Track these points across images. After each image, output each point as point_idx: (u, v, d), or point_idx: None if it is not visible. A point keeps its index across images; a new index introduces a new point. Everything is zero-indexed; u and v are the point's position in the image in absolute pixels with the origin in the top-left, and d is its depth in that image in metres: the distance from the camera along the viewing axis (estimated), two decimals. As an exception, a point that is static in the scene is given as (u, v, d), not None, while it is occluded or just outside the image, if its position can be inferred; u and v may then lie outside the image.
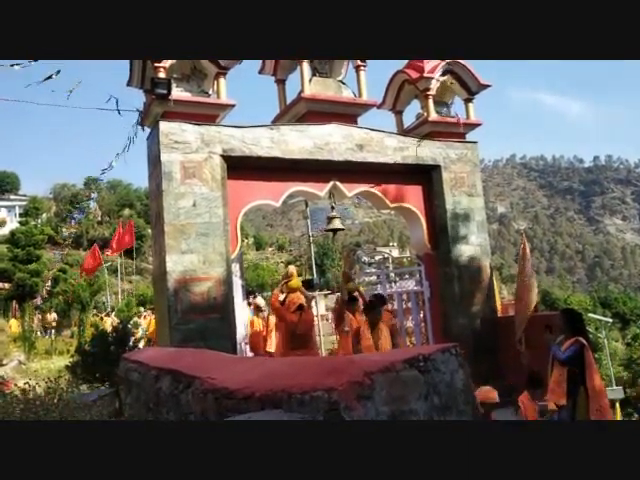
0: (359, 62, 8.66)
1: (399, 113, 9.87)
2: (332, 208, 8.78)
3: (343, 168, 8.33)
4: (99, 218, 51.41)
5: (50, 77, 6.34)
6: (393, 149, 8.62)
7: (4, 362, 15.74)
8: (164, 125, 7.22)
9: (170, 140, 7.21)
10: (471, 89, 9.37)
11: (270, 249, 61.10)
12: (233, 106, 7.71)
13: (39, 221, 48.74)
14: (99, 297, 29.44)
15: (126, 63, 7.88)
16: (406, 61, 9.49)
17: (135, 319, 15.77)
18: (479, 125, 9.54)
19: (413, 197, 9.06)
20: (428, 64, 8.99)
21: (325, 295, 26.36)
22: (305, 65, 8.27)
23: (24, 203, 56.08)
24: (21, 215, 53.38)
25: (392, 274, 10.64)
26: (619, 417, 11.47)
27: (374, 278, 11.19)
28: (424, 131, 9.21)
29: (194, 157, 7.31)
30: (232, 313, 7.40)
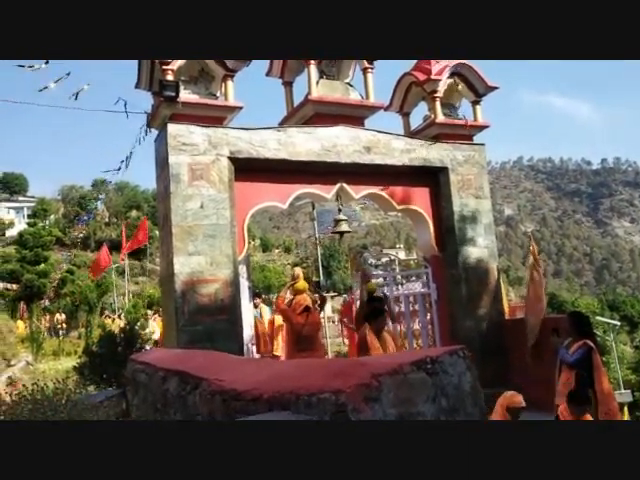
0: (366, 64, 8.65)
1: (406, 115, 9.86)
2: (339, 210, 8.78)
3: (350, 170, 8.33)
4: (107, 220, 51.59)
5: (60, 79, 6.38)
6: (400, 151, 8.61)
7: (12, 363, 15.82)
8: (172, 127, 7.25)
9: (178, 142, 7.23)
10: (478, 91, 9.35)
11: (277, 251, 61.09)
12: (241, 108, 7.73)
13: (47, 222, 48.97)
14: (106, 298, 29.56)
15: (134, 65, 7.92)
16: (413, 63, 9.49)
17: (143, 321, 15.82)
18: (486, 127, 9.52)
19: (420, 199, 9.04)
20: (435, 66, 8.98)
21: (332, 297, 26.33)
22: (312, 67, 8.27)
23: (32, 204, 56.37)
24: (29, 216, 53.64)
25: (399, 276, 10.62)
26: (627, 421, 11.38)
27: (381, 280, 11.17)
28: (431, 133, 9.20)
29: (202, 159, 7.33)
30: (239, 315, 7.41)
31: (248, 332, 8.13)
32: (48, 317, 26.68)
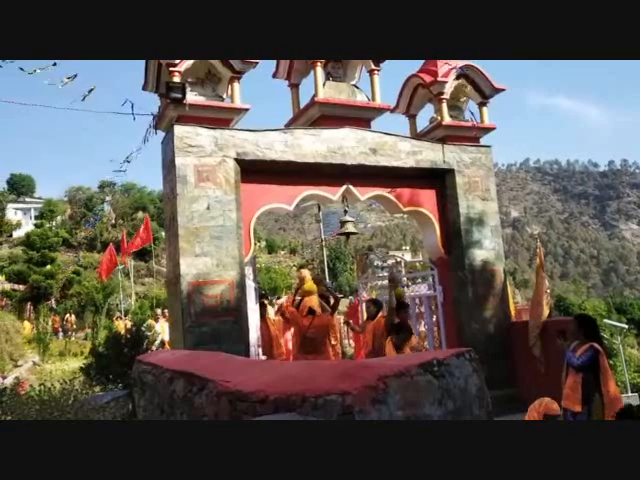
0: (373, 66, 8.66)
1: (413, 117, 9.85)
2: (345, 212, 8.78)
3: (356, 172, 8.33)
4: (113, 221, 51.77)
5: (69, 80, 6.41)
6: (406, 153, 8.61)
7: (19, 363, 15.89)
8: (179, 129, 7.27)
9: (184, 144, 7.25)
10: (485, 93, 9.34)
11: (282, 253, 61.14)
12: (247, 110, 7.74)
13: (54, 224, 49.18)
14: (112, 299, 29.64)
15: (141, 66, 7.94)
16: (420, 65, 9.49)
17: (152, 321, 15.84)
18: (493, 129, 9.50)
19: (426, 201, 9.03)
20: (442, 68, 8.98)
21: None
22: (319, 69, 8.29)
23: (39, 206, 56.66)
24: (36, 217, 53.94)
25: (405, 278, 10.61)
26: (634, 424, 11.27)
27: (386, 282, 11.15)
28: (438, 135, 9.19)
29: (208, 161, 7.35)
30: (245, 316, 7.42)
31: (254, 334, 8.14)
32: (58, 318, 26.76)
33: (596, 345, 5.53)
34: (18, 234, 49.78)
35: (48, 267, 35.52)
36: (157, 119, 7.82)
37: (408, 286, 10.25)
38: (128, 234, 26.49)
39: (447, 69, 8.97)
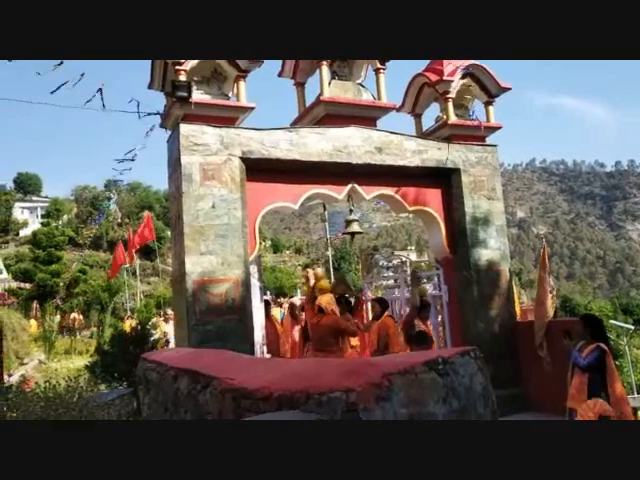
0: (378, 65, 8.64)
1: (418, 116, 9.83)
2: (350, 211, 8.77)
3: (362, 171, 8.32)
4: (119, 220, 51.97)
5: (78, 81, 6.44)
6: (412, 152, 8.59)
7: (25, 361, 15.97)
8: (184, 127, 7.28)
9: (190, 142, 7.26)
10: (491, 92, 9.31)
11: (288, 252, 61.22)
12: (253, 109, 7.75)
13: (60, 222, 49.40)
14: (118, 298, 29.75)
15: (141, 65, 7.97)
16: (425, 64, 9.47)
17: (162, 322, 15.88)
18: (499, 128, 9.47)
19: (432, 200, 9.01)
20: (448, 67, 8.95)
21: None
22: (324, 68, 8.27)
23: (46, 204, 56.94)
24: (43, 216, 54.20)
25: (409, 278, 10.58)
26: (640, 425, 11.22)
27: (392, 282, 11.15)
28: (444, 134, 9.17)
29: (214, 159, 7.36)
30: (250, 315, 7.43)
31: (259, 332, 8.14)
32: (65, 316, 26.87)
33: (602, 345, 5.51)
34: (25, 233, 50.08)
35: (54, 266, 35.67)
36: (163, 118, 7.83)
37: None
38: (134, 233, 26.55)
39: (453, 68, 8.95)
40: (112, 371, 8.01)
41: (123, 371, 7.83)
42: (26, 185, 63.66)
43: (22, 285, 34.70)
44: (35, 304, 28.38)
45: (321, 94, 8.22)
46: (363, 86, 8.71)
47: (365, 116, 8.52)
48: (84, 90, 7.21)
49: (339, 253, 45.25)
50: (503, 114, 9.60)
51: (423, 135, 9.38)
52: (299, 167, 7.92)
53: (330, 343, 7.35)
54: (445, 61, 8.97)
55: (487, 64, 9.15)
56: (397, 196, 8.71)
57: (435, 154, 8.79)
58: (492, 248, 8.99)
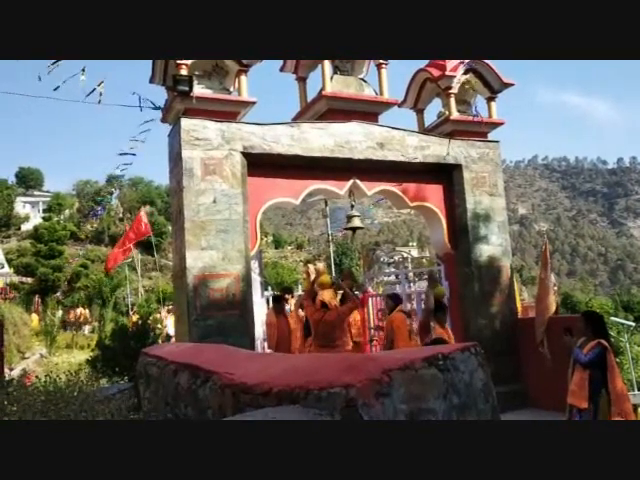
0: (381, 60, 8.62)
1: (420, 111, 9.81)
2: (352, 207, 8.76)
3: (363, 166, 8.30)
4: (120, 215, 52.00)
5: (79, 76, 6.44)
6: (414, 148, 8.57)
7: (27, 355, 16.01)
8: (185, 122, 7.26)
9: (191, 137, 7.25)
10: (494, 88, 9.28)
11: (289, 248, 61.21)
12: (254, 103, 7.73)
13: (62, 217, 49.44)
14: (119, 293, 29.79)
15: (139, 61, 7.95)
16: (428, 60, 9.44)
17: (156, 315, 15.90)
18: (501, 124, 9.44)
19: (433, 196, 8.99)
20: (450, 62, 8.92)
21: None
22: (326, 63, 8.25)
23: (48, 199, 56.96)
24: (44, 211, 54.24)
25: (411, 274, 10.58)
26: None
27: (393, 278, 11.14)
28: (446, 130, 9.15)
29: (215, 154, 7.35)
30: (251, 310, 7.43)
31: (259, 327, 8.14)
32: (70, 311, 26.90)
33: (604, 342, 5.50)
34: (26, 227, 50.11)
35: (56, 260, 35.72)
36: (164, 112, 7.82)
37: (414, 282, 10.23)
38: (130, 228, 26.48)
39: (455, 63, 8.92)
40: (113, 365, 8.02)
41: (124, 365, 7.83)
42: (28, 180, 63.67)
43: (24, 279, 34.75)
44: (37, 298, 28.42)
45: (323, 89, 8.20)
46: (365, 81, 8.69)
47: (367, 111, 8.50)
48: (85, 84, 7.19)
49: (340, 249, 45.20)
50: (505, 110, 9.56)
51: (425, 131, 9.36)
52: (300, 162, 7.91)
53: (334, 338, 7.34)
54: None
55: (490, 60, 9.12)
56: (399, 192, 8.70)
57: (437, 150, 8.77)
58: (493, 244, 8.98)
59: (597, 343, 5.50)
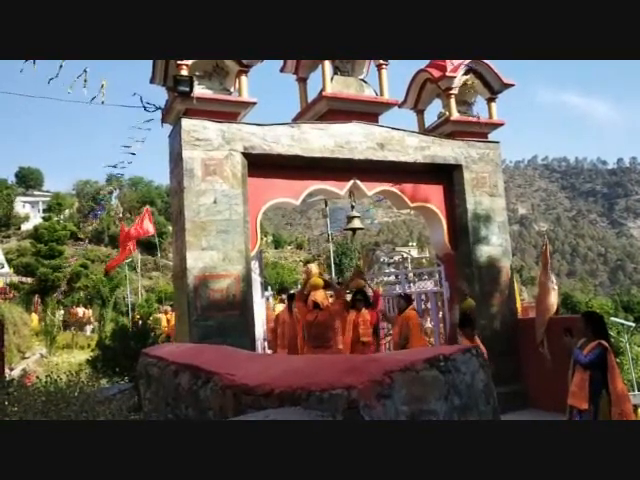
0: (381, 61, 8.62)
1: (421, 112, 9.81)
2: (352, 207, 8.76)
3: (364, 167, 8.30)
4: (120, 215, 51.97)
5: (82, 76, 6.45)
6: (414, 148, 8.57)
7: (27, 355, 16.00)
8: (186, 122, 7.26)
9: (192, 137, 7.25)
10: (494, 88, 9.28)
11: (289, 248, 61.20)
12: (254, 104, 7.73)
13: (62, 217, 49.42)
14: (119, 293, 29.77)
15: (138, 61, 7.95)
16: (428, 60, 9.44)
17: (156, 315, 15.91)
18: (501, 125, 9.45)
19: (434, 197, 8.99)
20: (450, 63, 8.92)
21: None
22: (327, 64, 8.26)
23: (47, 199, 56.95)
24: (44, 211, 54.23)
25: (411, 274, 10.57)
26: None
27: (393, 278, 11.14)
28: (446, 130, 9.15)
29: (215, 154, 7.35)
30: (251, 310, 7.43)
31: (260, 328, 8.14)
32: (72, 311, 26.88)
33: (604, 343, 5.50)
34: (26, 227, 50.10)
35: (56, 260, 35.70)
36: (164, 112, 7.82)
37: (414, 282, 10.23)
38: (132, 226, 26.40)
39: (456, 64, 8.92)
40: (113, 366, 8.04)
41: (124, 366, 7.85)
42: (28, 179, 63.65)
43: (24, 279, 34.72)
44: (36, 298, 28.40)
45: (323, 90, 8.20)
46: (365, 82, 8.69)
47: (367, 112, 8.50)
48: (86, 84, 7.20)
49: (340, 249, 45.16)
50: (505, 110, 9.56)
51: (425, 131, 9.36)
52: (301, 163, 7.91)
53: (328, 339, 7.37)
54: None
55: (490, 60, 9.12)
56: (399, 192, 8.70)
57: (437, 150, 8.77)
58: (493, 245, 8.98)
59: (597, 344, 5.50)
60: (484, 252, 8.88)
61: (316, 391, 2.41)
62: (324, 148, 7.93)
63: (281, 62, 8.96)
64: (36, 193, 61.06)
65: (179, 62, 7.17)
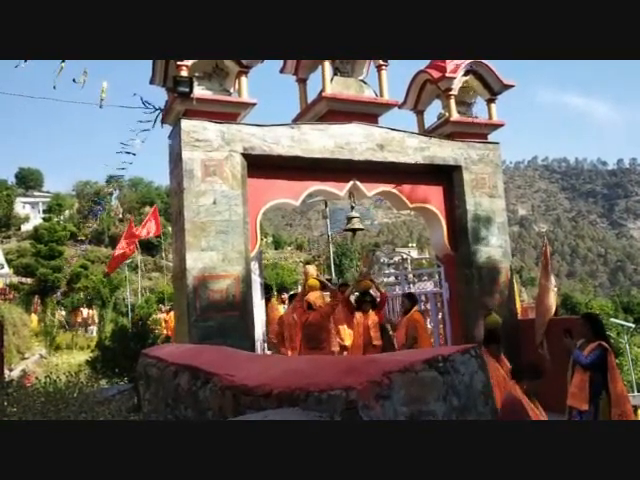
0: (381, 62, 8.63)
1: (420, 113, 9.81)
2: (352, 208, 8.76)
3: (363, 168, 8.30)
4: (120, 215, 51.95)
5: (82, 76, 6.45)
6: (414, 149, 8.57)
7: (26, 356, 16.00)
8: (186, 123, 7.27)
9: (191, 138, 7.25)
10: (494, 89, 9.28)
11: (289, 248, 61.18)
12: (254, 105, 7.73)
13: (62, 218, 49.43)
14: (119, 293, 29.76)
15: (147, 60, 7.95)
16: (428, 61, 9.44)
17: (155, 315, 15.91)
18: (501, 126, 9.44)
19: (433, 198, 8.99)
20: (450, 64, 8.93)
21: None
22: (327, 64, 8.26)
23: (47, 200, 56.96)
24: (44, 211, 54.25)
25: (411, 275, 10.58)
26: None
27: (392, 279, 11.15)
28: (446, 131, 9.15)
29: (215, 155, 7.35)
30: (251, 311, 7.43)
31: (259, 329, 8.14)
32: (77, 312, 26.89)
33: (604, 344, 5.51)
34: (26, 228, 50.10)
35: (56, 261, 35.70)
36: (164, 113, 7.82)
37: (414, 283, 10.23)
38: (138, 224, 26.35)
39: (455, 65, 8.93)
40: (113, 366, 8.03)
41: (124, 366, 7.85)
42: (28, 180, 63.63)
43: (23, 280, 34.72)
44: (36, 299, 28.40)
45: (323, 90, 8.20)
46: (365, 83, 8.69)
47: (367, 113, 8.50)
48: (86, 84, 7.20)
49: (340, 250, 45.13)
50: (505, 111, 9.57)
51: (425, 132, 9.37)
52: (300, 164, 7.91)
53: (321, 340, 7.37)
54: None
55: (489, 60, 9.13)
56: (398, 193, 8.70)
57: (437, 151, 8.77)
58: (493, 246, 8.98)
59: (598, 345, 5.51)
60: (484, 253, 8.88)
61: (315, 392, 2.40)
62: (324, 149, 7.93)
63: (281, 63, 8.97)
64: (36, 194, 61.06)
65: (179, 63, 7.17)
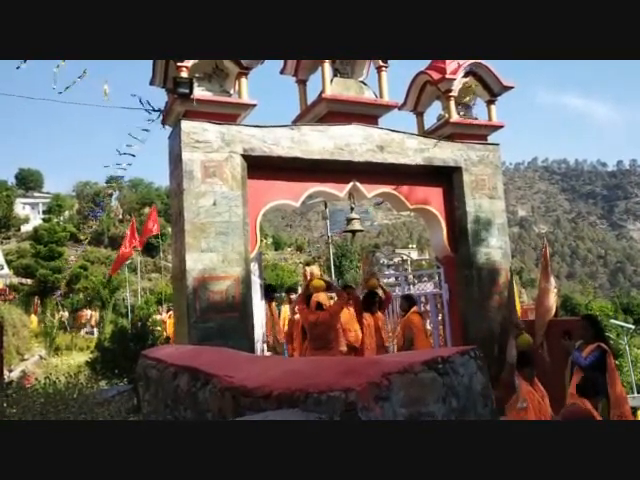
0: (381, 63, 8.62)
1: (420, 114, 9.81)
2: (352, 209, 8.76)
3: (363, 169, 8.30)
4: (120, 216, 51.98)
5: (80, 77, 6.46)
6: (414, 150, 8.57)
7: (26, 357, 16.00)
8: (186, 124, 7.26)
9: (191, 139, 7.25)
10: (493, 90, 9.28)
11: (289, 249, 61.22)
12: (254, 106, 7.73)
13: (62, 218, 49.45)
14: (118, 294, 29.76)
15: (147, 61, 7.95)
16: (428, 62, 9.45)
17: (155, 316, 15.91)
18: (501, 127, 9.44)
19: (433, 199, 8.99)
20: (450, 65, 8.93)
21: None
22: (326, 66, 8.26)
23: (47, 200, 57.01)
24: (44, 212, 54.29)
25: (411, 276, 10.58)
26: (640, 425, 11.20)
27: (392, 280, 11.15)
28: (446, 132, 9.14)
29: (215, 156, 7.35)
30: (250, 312, 7.42)
31: (259, 330, 8.14)
32: (80, 313, 26.88)
33: (603, 345, 5.51)
34: (26, 228, 50.15)
35: (56, 262, 35.70)
36: (164, 114, 7.82)
37: (414, 284, 10.23)
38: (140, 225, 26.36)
39: (455, 66, 8.93)
40: (112, 367, 8.03)
41: (123, 367, 7.85)
42: (27, 181, 63.68)
43: (23, 281, 34.74)
44: (36, 300, 28.40)
45: (323, 92, 8.20)
46: (365, 84, 8.69)
47: (367, 114, 8.50)
48: (85, 85, 7.21)
49: (340, 251, 45.12)
50: (505, 112, 9.56)
51: (425, 133, 9.37)
52: (300, 165, 7.91)
53: (330, 340, 7.37)
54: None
55: (489, 62, 9.13)
56: (398, 194, 8.70)
57: (437, 153, 8.77)
58: (493, 247, 8.97)
59: (597, 346, 5.51)
60: (484, 254, 8.88)
61: (314, 393, 2.40)
62: (324, 150, 7.93)
63: (281, 64, 8.97)
64: (36, 194, 61.12)
65: (179, 64, 7.17)
